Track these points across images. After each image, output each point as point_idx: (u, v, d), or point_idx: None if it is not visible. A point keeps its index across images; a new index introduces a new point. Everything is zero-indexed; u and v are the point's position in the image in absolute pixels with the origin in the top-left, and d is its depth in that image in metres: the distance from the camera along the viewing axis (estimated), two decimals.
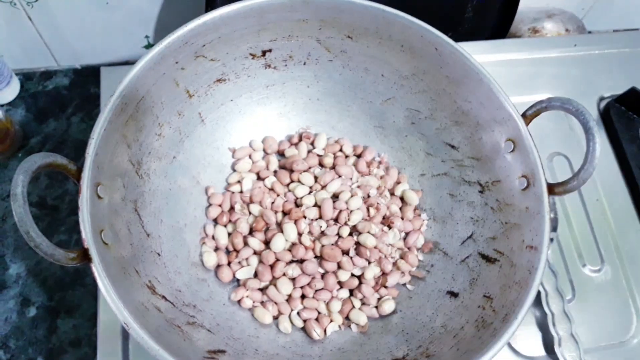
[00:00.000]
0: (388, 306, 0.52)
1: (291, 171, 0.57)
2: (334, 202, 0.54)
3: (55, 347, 0.56)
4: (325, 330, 0.51)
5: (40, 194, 0.63)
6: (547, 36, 0.80)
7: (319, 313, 0.52)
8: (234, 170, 0.58)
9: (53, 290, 0.58)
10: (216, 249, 0.54)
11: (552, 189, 0.46)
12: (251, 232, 0.54)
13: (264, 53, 0.55)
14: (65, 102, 0.69)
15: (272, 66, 0.56)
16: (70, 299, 0.58)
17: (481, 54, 0.51)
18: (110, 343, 0.52)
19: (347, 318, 0.53)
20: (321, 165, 0.58)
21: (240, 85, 0.56)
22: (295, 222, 0.53)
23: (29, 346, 0.56)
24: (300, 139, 0.59)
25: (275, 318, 0.52)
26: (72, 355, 0.56)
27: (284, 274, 0.52)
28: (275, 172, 0.58)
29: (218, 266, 0.53)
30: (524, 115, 0.48)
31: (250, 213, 0.55)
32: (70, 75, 0.71)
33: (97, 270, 0.38)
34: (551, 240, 0.56)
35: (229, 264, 0.53)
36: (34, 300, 0.58)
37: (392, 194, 0.58)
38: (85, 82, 0.71)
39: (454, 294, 0.51)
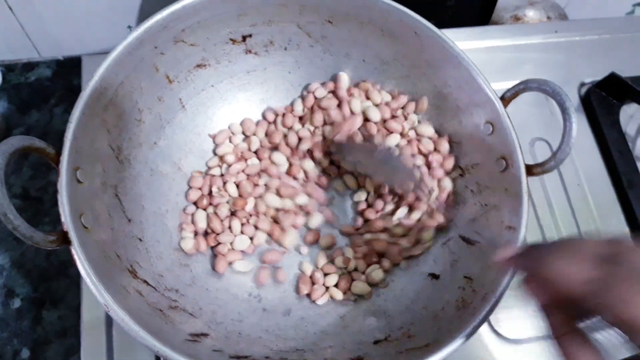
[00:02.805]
0: (376, 274, 0.53)
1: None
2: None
3: (41, 338, 0.55)
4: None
5: (24, 185, 0.62)
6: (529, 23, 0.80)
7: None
8: (215, 155, 0.58)
9: (38, 282, 0.58)
10: (195, 234, 0.54)
11: (530, 169, 0.47)
12: (234, 214, 0.54)
13: (244, 38, 0.54)
14: (48, 94, 0.68)
15: (253, 51, 0.56)
16: (55, 289, 0.58)
17: (463, 41, 0.51)
18: (95, 333, 0.52)
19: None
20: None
21: (220, 70, 0.56)
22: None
23: (14, 337, 0.55)
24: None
25: None
26: (57, 346, 0.55)
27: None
28: (256, 152, 0.58)
29: (215, 256, 0.53)
30: (502, 98, 0.49)
31: (229, 196, 0.55)
32: (53, 66, 0.70)
33: (77, 252, 0.38)
34: None
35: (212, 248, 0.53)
36: (18, 291, 0.57)
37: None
38: (68, 74, 0.70)
39: (435, 276, 0.51)
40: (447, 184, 0.54)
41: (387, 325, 0.50)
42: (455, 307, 0.46)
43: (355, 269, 0.53)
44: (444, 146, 0.55)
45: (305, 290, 0.52)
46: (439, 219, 0.53)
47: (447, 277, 0.50)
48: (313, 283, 0.53)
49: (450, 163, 0.54)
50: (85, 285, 0.38)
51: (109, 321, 0.52)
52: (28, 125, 0.66)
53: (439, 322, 0.46)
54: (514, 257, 0.34)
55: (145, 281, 0.45)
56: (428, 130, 0.56)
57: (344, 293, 0.53)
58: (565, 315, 0.31)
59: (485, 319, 0.42)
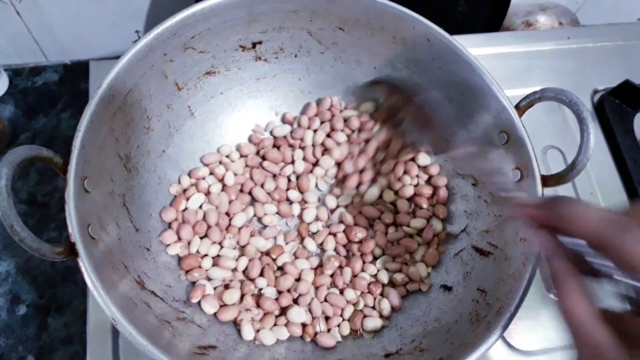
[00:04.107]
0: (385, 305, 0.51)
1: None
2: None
3: (46, 345, 0.55)
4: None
5: (30, 191, 0.62)
6: (541, 29, 0.80)
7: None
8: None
9: (43, 288, 0.57)
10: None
11: (545, 180, 0.46)
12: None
13: (254, 45, 0.54)
14: (54, 98, 0.68)
15: (263, 58, 0.55)
16: (61, 296, 0.57)
17: (474, 47, 0.50)
18: (101, 341, 0.51)
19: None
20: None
21: (230, 78, 0.55)
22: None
23: (19, 344, 0.55)
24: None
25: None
26: (62, 353, 0.55)
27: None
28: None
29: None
30: (517, 107, 0.48)
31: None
32: (60, 70, 0.70)
33: (84, 265, 0.38)
34: None
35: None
36: (24, 298, 0.57)
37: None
38: (75, 78, 0.70)
39: (447, 288, 0.50)
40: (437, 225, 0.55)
41: (399, 338, 0.49)
42: (469, 320, 0.45)
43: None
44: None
45: (308, 338, 0.50)
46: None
47: (460, 290, 0.49)
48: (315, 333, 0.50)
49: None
50: (91, 293, 0.37)
51: (115, 330, 0.52)
52: (35, 130, 0.66)
53: (453, 336, 0.45)
54: (532, 206, 0.34)
55: (153, 292, 0.44)
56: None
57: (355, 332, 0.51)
58: (569, 263, 0.32)
59: (501, 334, 0.41)
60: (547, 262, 0.33)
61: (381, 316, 0.51)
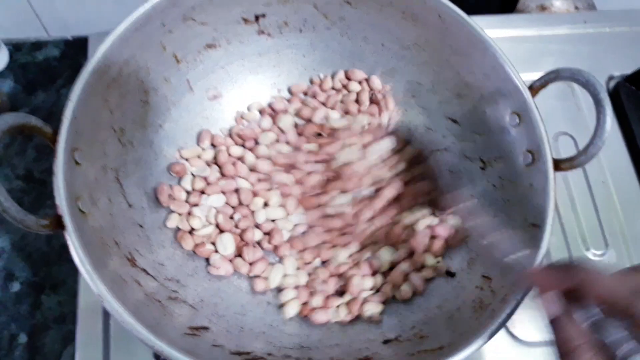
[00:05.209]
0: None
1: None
2: None
3: (39, 323, 0.54)
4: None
5: (28, 167, 0.61)
6: (556, 13, 0.77)
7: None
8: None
9: (38, 265, 0.57)
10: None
11: (558, 164, 0.44)
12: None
13: (257, 18, 0.52)
14: (55, 74, 0.67)
15: (266, 32, 0.54)
16: (56, 274, 0.56)
17: (488, 29, 0.48)
18: (91, 320, 0.50)
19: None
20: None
21: (231, 51, 0.54)
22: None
23: (12, 322, 0.54)
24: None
25: None
26: (55, 332, 0.54)
27: None
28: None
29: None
30: (531, 88, 0.46)
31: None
32: (61, 46, 0.69)
33: (71, 238, 0.36)
34: None
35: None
36: (18, 275, 0.56)
37: None
38: (76, 54, 0.69)
39: (451, 274, 0.49)
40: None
41: (398, 324, 0.47)
42: (472, 308, 0.44)
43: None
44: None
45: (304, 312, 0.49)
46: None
47: (464, 276, 0.48)
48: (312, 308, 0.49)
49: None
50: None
51: (107, 310, 0.50)
52: (34, 106, 0.65)
53: (454, 323, 0.44)
54: (543, 273, 0.34)
55: (144, 270, 0.43)
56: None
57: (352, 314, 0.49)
58: (579, 327, 0.31)
59: (505, 322, 0.39)
60: (556, 328, 0.32)
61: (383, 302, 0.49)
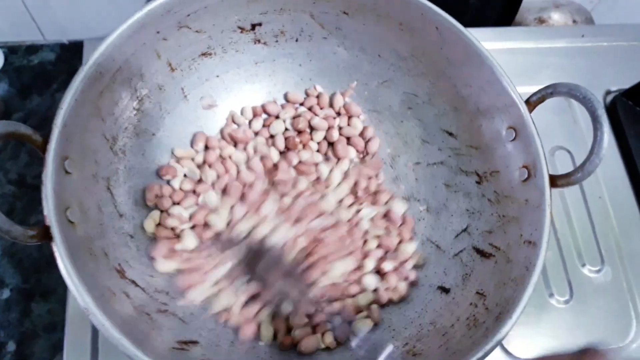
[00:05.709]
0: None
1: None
2: None
3: (29, 331, 0.54)
4: None
5: (20, 172, 0.61)
6: (554, 26, 0.77)
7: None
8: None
9: (28, 273, 0.56)
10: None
11: (554, 180, 0.44)
12: None
13: (253, 27, 0.52)
14: (50, 78, 0.67)
15: (262, 41, 0.53)
16: (46, 282, 0.56)
17: (485, 41, 0.48)
18: (80, 330, 0.49)
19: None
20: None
21: (227, 60, 0.53)
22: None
23: (1, 329, 0.54)
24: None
25: None
26: (45, 341, 0.53)
27: None
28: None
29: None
30: (527, 102, 0.46)
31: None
32: (57, 50, 0.69)
33: (58, 250, 0.36)
34: None
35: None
36: (8, 282, 0.56)
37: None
38: (72, 58, 0.68)
39: (445, 290, 0.48)
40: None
41: (391, 340, 0.47)
42: (466, 325, 0.43)
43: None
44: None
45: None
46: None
47: (458, 292, 0.47)
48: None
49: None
50: None
51: None
52: (28, 110, 0.65)
53: (448, 341, 0.43)
54: None
55: (133, 282, 0.42)
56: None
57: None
58: None
59: (499, 342, 0.38)
60: None
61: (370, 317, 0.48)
